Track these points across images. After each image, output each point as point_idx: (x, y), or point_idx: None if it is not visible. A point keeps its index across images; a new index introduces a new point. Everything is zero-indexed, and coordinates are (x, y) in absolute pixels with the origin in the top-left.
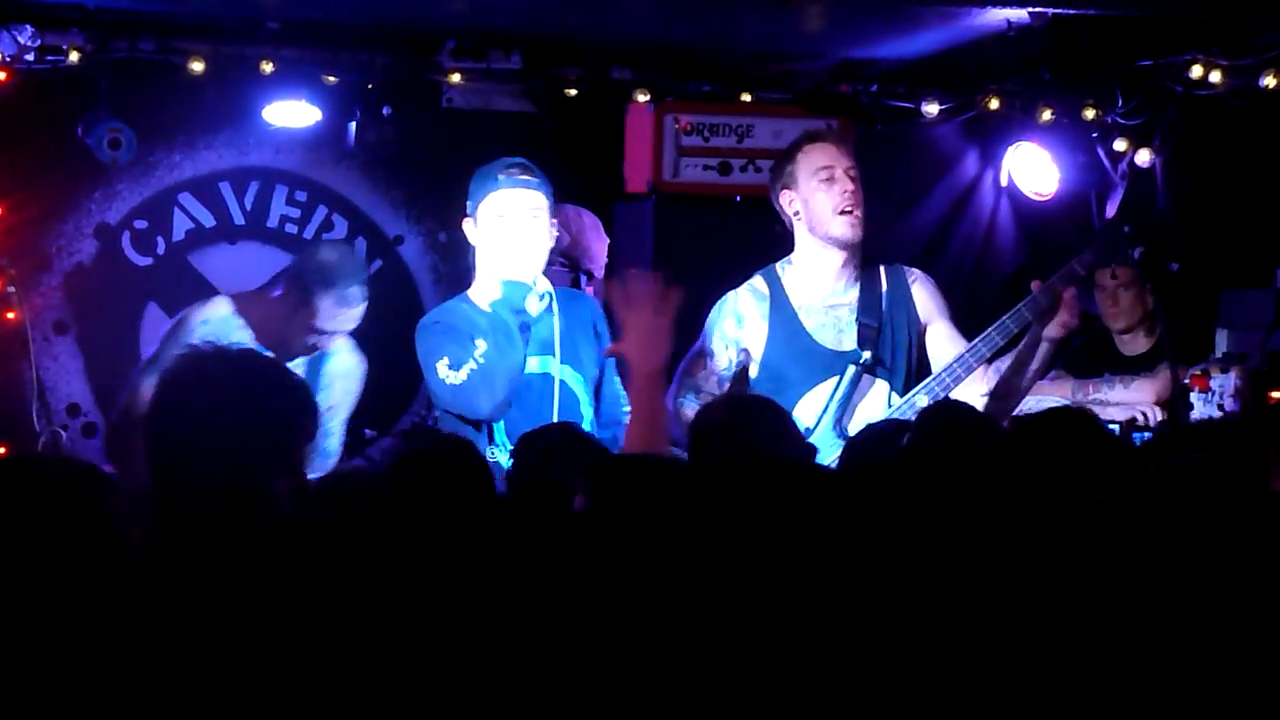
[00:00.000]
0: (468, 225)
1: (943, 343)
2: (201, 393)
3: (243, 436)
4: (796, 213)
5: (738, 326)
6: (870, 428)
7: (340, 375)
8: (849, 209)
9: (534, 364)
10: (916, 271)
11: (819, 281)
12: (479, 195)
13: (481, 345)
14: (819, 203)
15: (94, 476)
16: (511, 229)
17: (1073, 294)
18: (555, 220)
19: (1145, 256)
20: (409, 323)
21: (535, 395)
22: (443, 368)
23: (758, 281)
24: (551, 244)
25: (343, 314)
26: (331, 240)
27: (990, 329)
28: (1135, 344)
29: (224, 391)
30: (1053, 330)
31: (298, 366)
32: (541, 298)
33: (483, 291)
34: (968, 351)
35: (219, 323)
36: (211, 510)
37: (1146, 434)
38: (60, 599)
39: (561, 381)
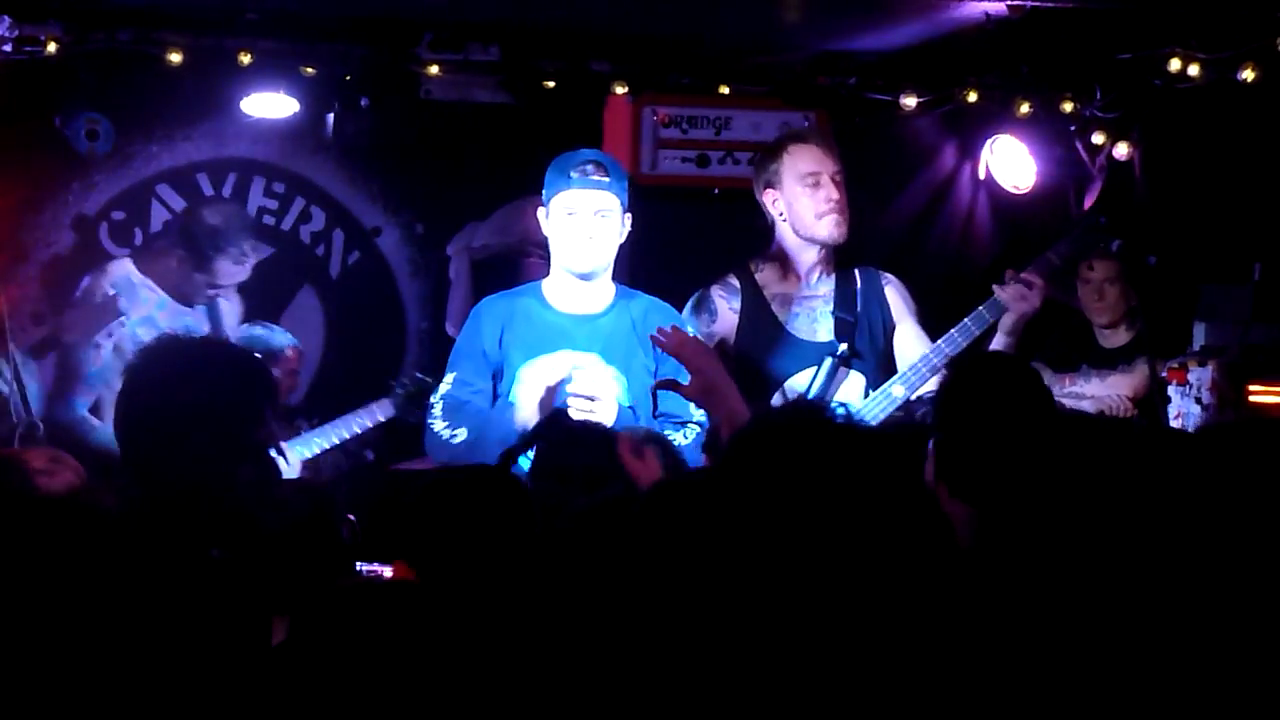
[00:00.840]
0: (541, 214)
1: (910, 343)
2: (159, 384)
3: (199, 422)
4: (780, 212)
5: (711, 321)
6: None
7: None
8: (834, 212)
9: (586, 362)
10: (889, 275)
11: (793, 274)
12: (552, 189)
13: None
14: (803, 206)
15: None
16: (578, 229)
17: (1042, 284)
18: (629, 215)
19: (1124, 249)
20: (386, 314)
21: None
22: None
23: (730, 277)
24: (621, 240)
25: (237, 270)
26: (216, 200)
27: (953, 330)
28: (1115, 338)
29: (179, 381)
30: (1008, 319)
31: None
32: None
33: (554, 286)
34: (932, 351)
35: (124, 282)
36: (178, 497)
37: None
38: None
39: None
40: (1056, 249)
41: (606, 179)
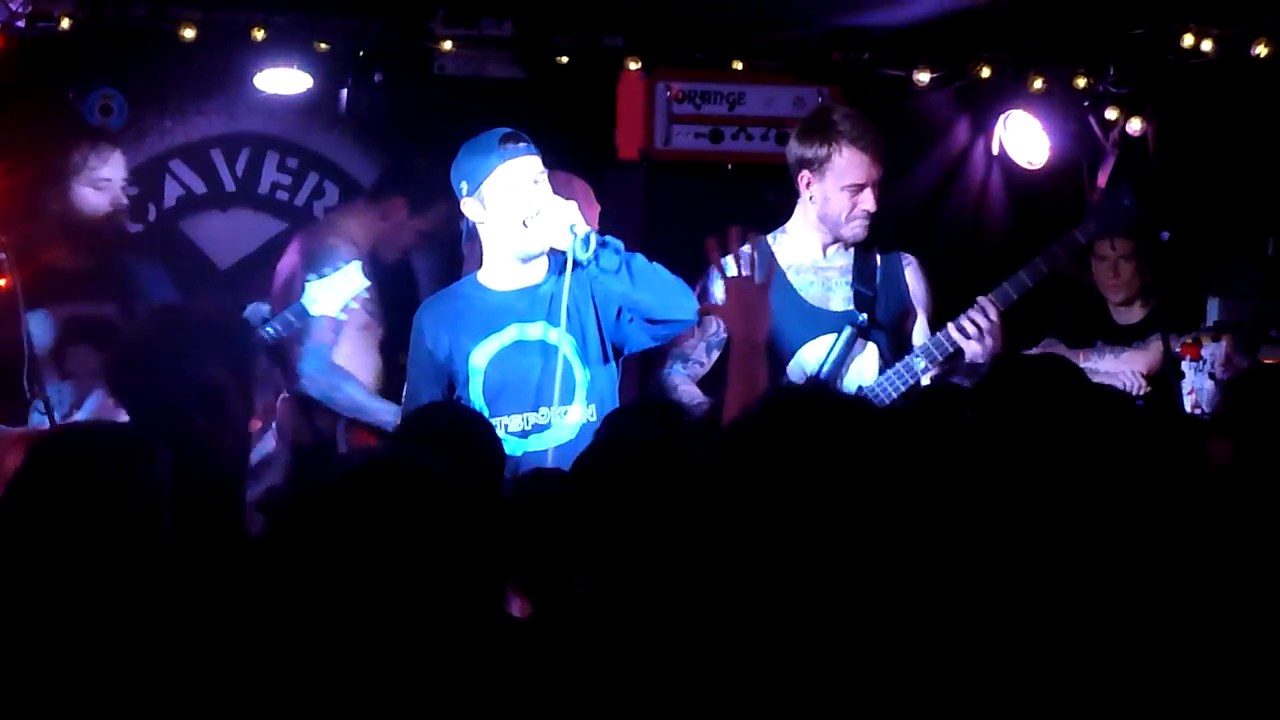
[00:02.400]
0: (470, 206)
1: (919, 334)
2: (148, 346)
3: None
4: (811, 197)
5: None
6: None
7: None
8: (864, 219)
9: (535, 330)
10: (911, 258)
11: (810, 248)
12: (480, 173)
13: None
14: (837, 205)
15: (136, 447)
16: (526, 198)
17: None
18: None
19: (1137, 225)
20: (400, 287)
21: (535, 363)
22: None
23: (744, 249)
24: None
25: None
26: None
27: (931, 338)
28: (1130, 314)
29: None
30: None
31: None
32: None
33: (495, 272)
34: (952, 324)
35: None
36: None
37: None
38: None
39: (562, 352)
40: (1083, 227)
41: (528, 144)
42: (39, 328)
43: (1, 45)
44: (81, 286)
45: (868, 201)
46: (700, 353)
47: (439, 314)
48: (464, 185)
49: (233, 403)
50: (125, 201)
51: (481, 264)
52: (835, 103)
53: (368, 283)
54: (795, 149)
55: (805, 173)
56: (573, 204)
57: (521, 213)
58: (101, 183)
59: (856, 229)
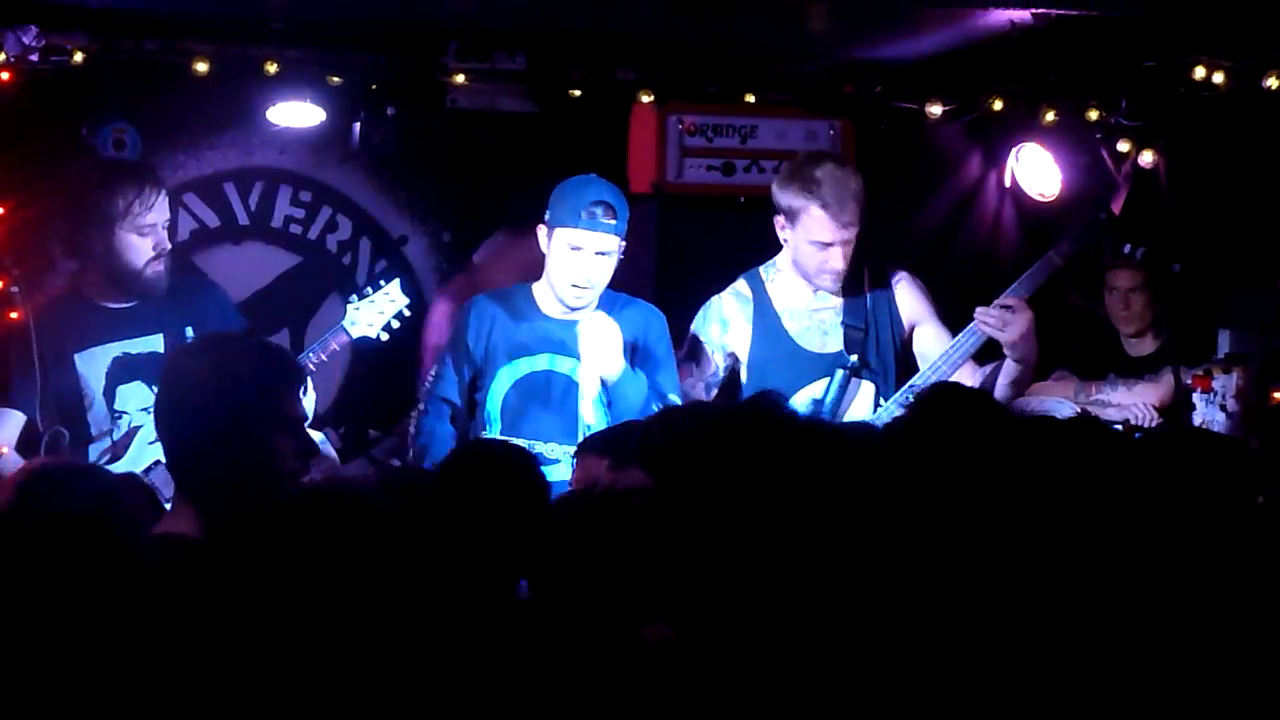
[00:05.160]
0: (542, 233)
1: (930, 341)
2: (189, 378)
3: (231, 397)
4: (786, 240)
5: (723, 331)
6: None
7: None
8: (832, 276)
9: (566, 366)
10: (902, 273)
11: (801, 290)
12: (560, 218)
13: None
14: (807, 257)
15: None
16: (578, 269)
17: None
18: (625, 244)
19: (1148, 257)
20: (414, 322)
21: (557, 396)
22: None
23: (741, 285)
24: (610, 273)
25: None
26: None
27: (964, 330)
28: (1142, 346)
29: (209, 370)
30: (1011, 350)
31: None
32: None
33: (547, 295)
34: (951, 348)
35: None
36: (225, 471)
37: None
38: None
39: (576, 383)
40: (1058, 248)
41: (614, 222)
42: (88, 368)
43: (14, 80)
44: (126, 324)
45: (835, 260)
46: (700, 391)
47: (488, 313)
48: (548, 214)
49: (279, 434)
50: (168, 245)
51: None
52: (823, 154)
53: (408, 300)
54: (775, 192)
55: (780, 218)
56: (612, 347)
57: (572, 277)
58: (146, 229)
59: (825, 282)
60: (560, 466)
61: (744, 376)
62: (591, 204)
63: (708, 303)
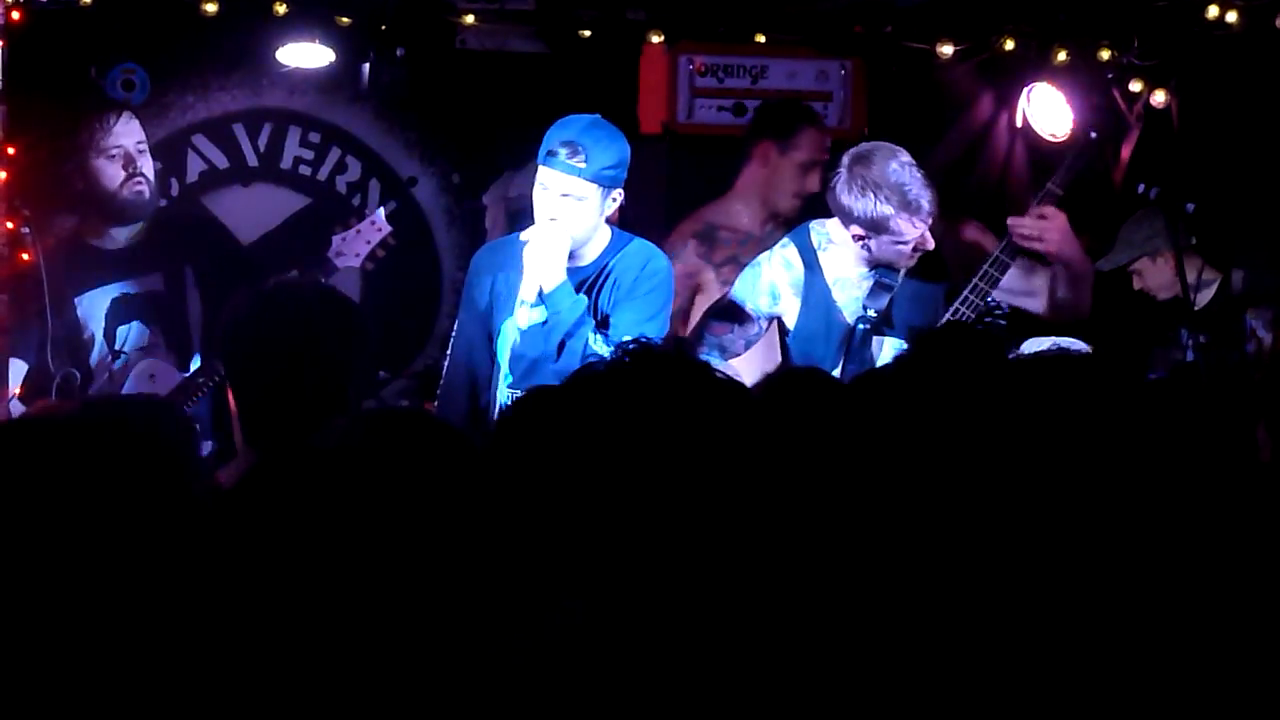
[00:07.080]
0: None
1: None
2: (264, 321)
3: (306, 348)
4: (866, 246)
5: (773, 304)
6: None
7: None
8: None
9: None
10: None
11: (859, 258)
12: (538, 156)
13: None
14: (893, 255)
15: (167, 417)
16: (543, 206)
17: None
18: (617, 191)
19: (1162, 197)
20: (423, 263)
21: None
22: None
23: (791, 254)
24: (607, 215)
25: None
26: None
27: (975, 278)
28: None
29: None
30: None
31: None
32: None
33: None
34: (959, 302)
35: None
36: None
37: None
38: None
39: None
40: (1055, 178)
41: (580, 165)
42: (89, 310)
43: (22, 20)
44: (125, 265)
45: (926, 243)
46: (739, 346)
47: (490, 263)
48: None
49: (352, 384)
50: (141, 165)
51: None
52: (873, 149)
53: (390, 229)
54: (844, 203)
55: (855, 228)
56: (554, 257)
57: (538, 217)
58: (113, 150)
59: (913, 262)
60: None
61: (788, 345)
62: (559, 144)
63: (753, 268)
